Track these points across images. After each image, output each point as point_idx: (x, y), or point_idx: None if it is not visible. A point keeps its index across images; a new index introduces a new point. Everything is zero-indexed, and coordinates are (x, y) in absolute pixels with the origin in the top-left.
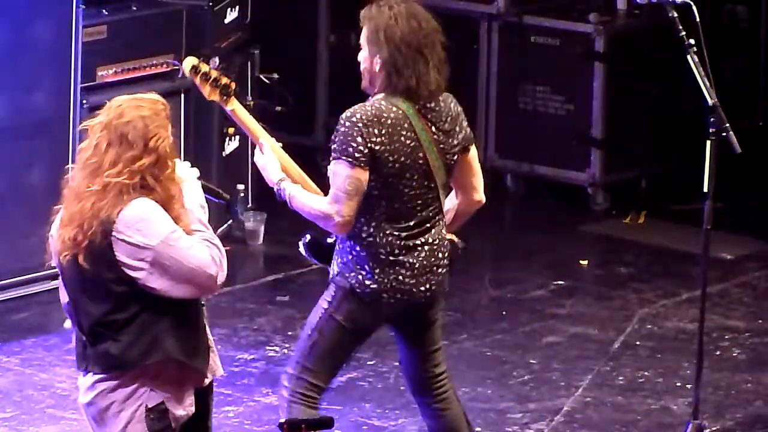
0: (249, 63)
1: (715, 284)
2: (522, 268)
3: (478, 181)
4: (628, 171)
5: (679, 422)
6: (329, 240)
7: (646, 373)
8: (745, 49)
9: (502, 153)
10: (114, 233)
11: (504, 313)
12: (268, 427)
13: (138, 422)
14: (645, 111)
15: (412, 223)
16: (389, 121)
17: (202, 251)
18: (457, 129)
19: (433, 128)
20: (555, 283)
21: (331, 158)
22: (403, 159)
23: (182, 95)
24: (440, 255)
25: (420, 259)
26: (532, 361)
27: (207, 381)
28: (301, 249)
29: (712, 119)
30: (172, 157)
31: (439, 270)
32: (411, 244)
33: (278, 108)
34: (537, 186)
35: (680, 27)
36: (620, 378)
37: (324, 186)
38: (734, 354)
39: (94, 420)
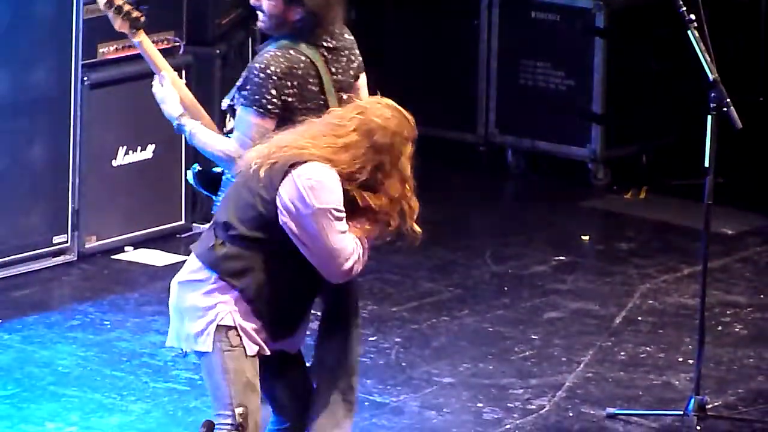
0: (249, 38)
1: (717, 259)
2: (523, 244)
3: None
4: (628, 146)
5: (681, 397)
6: (216, 170)
7: (647, 349)
8: (745, 25)
9: (502, 129)
10: (292, 172)
11: (505, 288)
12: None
13: (209, 335)
14: (645, 86)
15: None
16: (300, 72)
17: (350, 243)
18: (352, 58)
19: (333, 69)
20: (556, 258)
21: (238, 101)
22: (309, 105)
23: (183, 71)
24: None
25: None
26: (533, 337)
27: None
28: (190, 179)
29: (713, 94)
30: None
31: None
32: None
33: None
34: (538, 162)
35: (681, 2)
36: (622, 353)
37: None
38: (736, 329)
39: (176, 310)
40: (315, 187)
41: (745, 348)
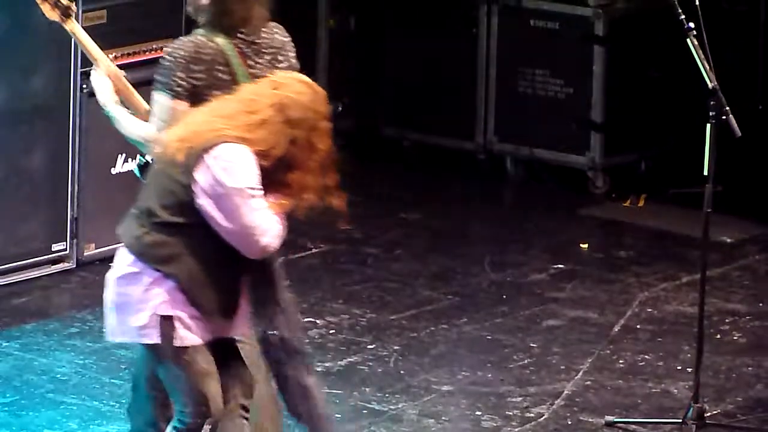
0: None
1: (716, 267)
2: (522, 252)
3: None
4: (627, 154)
5: (680, 406)
6: None
7: (646, 357)
8: (744, 33)
9: (501, 137)
10: (207, 155)
11: (504, 296)
12: None
13: (153, 327)
14: (645, 94)
15: None
16: (207, 58)
17: (265, 220)
18: (280, 58)
19: (250, 62)
20: (555, 266)
21: (154, 87)
22: (217, 92)
23: None
24: None
25: None
26: (532, 345)
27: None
28: (135, 170)
29: (712, 102)
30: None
31: None
32: None
33: None
34: (537, 170)
35: (680, 10)
36: (620, 361)
37: None
38: (735, 337)
39: (117, 307)
40: (229, 168)
41: (744, 356)
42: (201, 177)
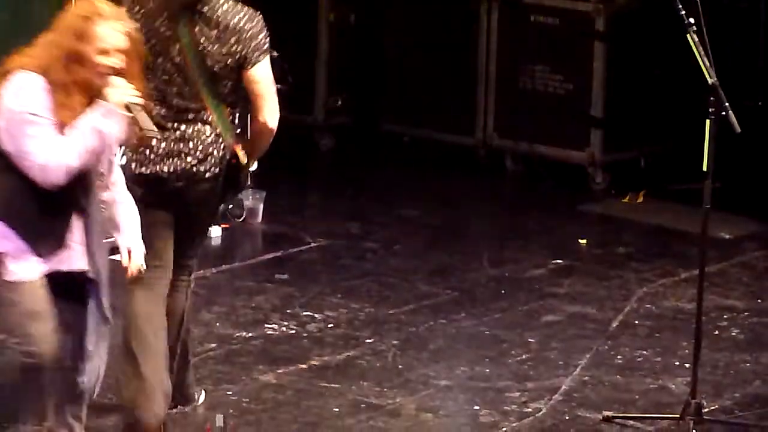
0: None
1: (714, 264)
2: (521, 248)
3: (263, 104)
4: (627, 150)
5: (678, 401)
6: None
7: (644, 353)
8: (744, 30)
9: (501, 133)
10: (5, 82)
11: (503, 291)
12: (267, 405)
13: None
14: (644, 90)
15: (166, 108)
16: (150, 5)
17: (48, 147)
18: (232, 41)
19: (197, 29)
20: (554, 262)
21: None
22: (155, 42)
23: None
24: (192, 146)
25: (168, 142)
26: (530, 340)
27: (58, 269)
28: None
29: (711, 98)
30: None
31: (189, 159)
32: (163, 125)
33: (278, 86)
34: (536, 165)
35: (680, 6)
36: (618, 357)
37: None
38: (733, 334)
39: None
40: (15, 94)
41: (742, 352)
42: (1, 101)
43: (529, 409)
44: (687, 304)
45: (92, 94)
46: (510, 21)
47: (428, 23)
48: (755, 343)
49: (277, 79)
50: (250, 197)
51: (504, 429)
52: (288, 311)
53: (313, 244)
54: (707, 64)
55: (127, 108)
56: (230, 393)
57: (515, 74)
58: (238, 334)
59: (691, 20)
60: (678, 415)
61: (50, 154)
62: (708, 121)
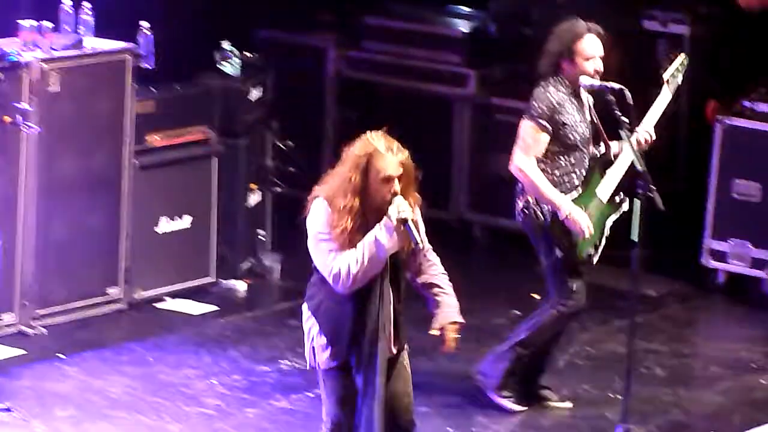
0: (269, 132)
1: (642, 315)
2: (487, 301)
3: None
4: None
5: (611, 426)
6: None
7: (585, 387)
8: (666, 125)
9: (472, 208)
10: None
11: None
12: (280, 425)
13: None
14: None
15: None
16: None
17: (331, 261)
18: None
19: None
20: (513, 312)
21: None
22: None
23: (214, 158)
24: None
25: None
26: None
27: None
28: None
29: (640, 182)
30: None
31: None
32: None
33: (292, 169)
34: (500, 236)
35: (616, 108)
36: (564, 390)
37: None
38: (657, 372)
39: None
40: (309, 218)
41: (664, 387)
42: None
43: None
44: (620, 347)
45: (379, 213)
46: (480, 119)
47: (407, 120)
48: (675, 379)
49: (292, 164)
50: (270, 258)
51: None
52: (298, 350)
53: None
54: (638, 155)
55: (403, 222)
56: (251, 416)
57: (485, 162)
58: (258, 368)
59: (625, 119)
60: None
61: (334, 265)
62: (637, 200)
